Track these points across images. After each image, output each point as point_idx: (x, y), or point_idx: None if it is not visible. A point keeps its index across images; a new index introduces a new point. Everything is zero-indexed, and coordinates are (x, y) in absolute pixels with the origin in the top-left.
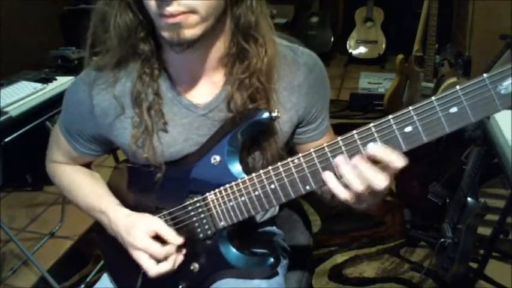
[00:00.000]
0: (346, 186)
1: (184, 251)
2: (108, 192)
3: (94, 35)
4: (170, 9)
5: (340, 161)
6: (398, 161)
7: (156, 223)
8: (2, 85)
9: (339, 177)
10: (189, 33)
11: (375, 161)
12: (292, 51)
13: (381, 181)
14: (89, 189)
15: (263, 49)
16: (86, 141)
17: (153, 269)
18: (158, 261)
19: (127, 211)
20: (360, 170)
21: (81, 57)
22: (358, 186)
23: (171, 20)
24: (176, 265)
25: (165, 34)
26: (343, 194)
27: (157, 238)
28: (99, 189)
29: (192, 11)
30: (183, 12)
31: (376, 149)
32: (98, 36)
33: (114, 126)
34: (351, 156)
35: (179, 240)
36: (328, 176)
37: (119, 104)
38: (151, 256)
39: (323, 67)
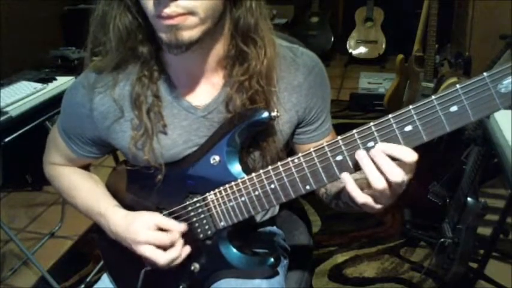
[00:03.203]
0: (363, 188)
1: (188, 246)
2: (106, 194)
3: (94, 36)
4: (168, 10)
5: (361, 153)
6: (410, 155)
7: (154, 217)
8: (2, 85)
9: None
10: (187, 35)
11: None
12: (292, 52)
13: (397, 175)
14: (87, 191)
15: (262, 51)
16: (85, 144)
17: (162, 257)
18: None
19: (125, 212)
20: (378, 163)
21: (81, 57)
22: (378, 180)
23: (168, 22)
24: (184, 254)
25: (163, 36)
26: (359, 196)
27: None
28: (97, 191)
29: (191, 13)
30: (181, 14)
31: (386, 146)
32: (97, 38)
33: (113, 129)
34: (351, 155)
35: (182, 226)
36: (346, 177)
37: (118, 107)
38: (157, 246)
39: (323, 68)
